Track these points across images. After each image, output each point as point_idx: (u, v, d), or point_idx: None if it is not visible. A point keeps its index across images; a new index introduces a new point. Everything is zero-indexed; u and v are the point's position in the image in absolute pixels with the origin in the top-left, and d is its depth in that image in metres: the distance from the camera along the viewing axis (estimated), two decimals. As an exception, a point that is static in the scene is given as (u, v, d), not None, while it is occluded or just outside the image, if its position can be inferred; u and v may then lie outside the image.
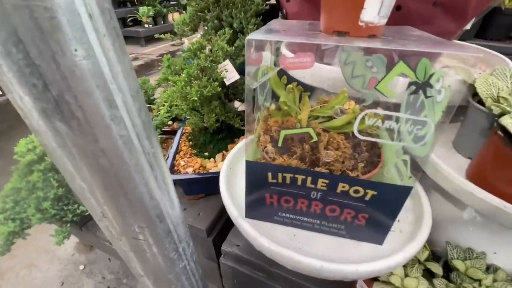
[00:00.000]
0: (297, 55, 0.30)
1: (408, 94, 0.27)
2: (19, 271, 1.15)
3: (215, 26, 0.73)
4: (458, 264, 0.44)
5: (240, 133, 0.72)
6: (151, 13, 3.50)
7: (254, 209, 0.39)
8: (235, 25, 0.71)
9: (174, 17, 3.70)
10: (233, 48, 0.66)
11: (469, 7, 0.41)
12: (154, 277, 0.29)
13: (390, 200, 0.32)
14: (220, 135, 0.70)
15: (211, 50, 0.63)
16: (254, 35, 0.26)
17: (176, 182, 0.66)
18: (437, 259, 0.47)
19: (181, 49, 1.00)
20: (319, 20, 0.40)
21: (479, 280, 0.43)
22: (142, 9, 3.45)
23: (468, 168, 0.43)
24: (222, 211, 0.63)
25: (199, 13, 0.75)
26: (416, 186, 0.43)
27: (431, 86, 0.24)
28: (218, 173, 0.59)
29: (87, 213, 1.00)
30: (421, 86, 0.24)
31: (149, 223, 0.24)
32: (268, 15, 0.78)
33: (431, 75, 0.24)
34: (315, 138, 0.32)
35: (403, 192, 0.31)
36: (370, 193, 0.31)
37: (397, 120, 0.30)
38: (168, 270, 0.29)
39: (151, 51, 3.53)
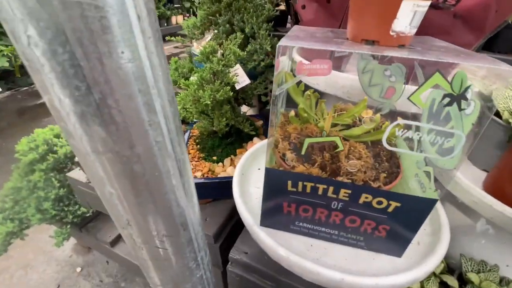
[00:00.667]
0: (314, 61, 0.29)
1: (441, 105, 0.27)
2: (15, 272, 1.12)
3: (227, 30, 0.73)
4: (473, 277, 0.43)
5: (248, 138, 0.72)
6: (154, 14, 3.51)
7: (269, 217, 0.38)
8: (246, 30, 0.71)
9: (178, 19, 3.71)
10: (245, 53, 0.66)
11: (488, 20, 0.41)
12: (172, 287, 0.28)
13: (413, 212, 0.31)
14: (228, 140, 0.69)
15: (223, 54, 0.62)
16: (285, 42, 0.26)
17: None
18: (451, 272, 0.47)
19: (186, 52, 1.00)
20: (334, 27, 0.39)
21: (495, 295, 0.42)
22: (146, 11, 3.46)
23: (485, 180, 0.43)
24: (230, 217, 0.62)
25: (210, 17, 0.75)
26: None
27: (466, 99, 0.24)
28: (227, 178, 0.58)
29: (87, 215, 0.99)
30: (456, 99, 0.24)
31: (173, 232, 0.23)
32: (277, 20, 0.78)
33: (466, 88, 0.23)
34: (341, 148, 0.32)
35: (428, 204, 0.30)
36: (394, 204, 0.31)
37: (418, 130, 0.29)
38: (186, 279, 0.28)
39: (153, 53, 3.53)
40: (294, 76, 0.35)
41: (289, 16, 0.95)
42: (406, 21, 0.26)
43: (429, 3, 0.26)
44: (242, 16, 0.72)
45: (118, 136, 0.16)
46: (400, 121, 0.28)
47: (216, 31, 0.76)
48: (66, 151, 0.91)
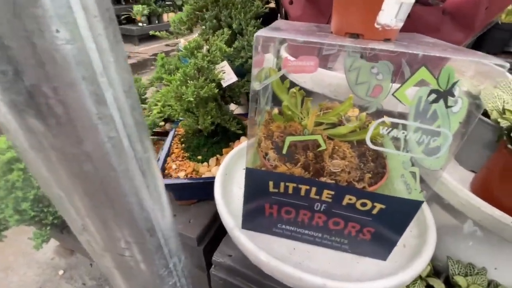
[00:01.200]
0: (300, 58, 0.28)
1: (427, 102, 0.26)
2: (-7, 275, 1.08)
3: (213, 26, 0.71)
4: (460, 281, 0.43)
5: (235, 137, 0.70)
6: (145, 12, 3.44)
7: (251, 220, 0.36)
8: (234, 26, 0.69)
9: (169, 17, 3.66)
10: (232, 49, 0.64)
11: (477, 17, 0.40)
12: (141, 295, 0.26)
13: (398, 215, 0.30)
14: (214, 139, 0.67)
15: (208, 50, 0.60)
16: (264, 32, 0.24)
17: (166, 187, 0.62)
18: (437, 274, 0.46)
19: (176, 49, 0.97)
20: (323, 24, 0.38)
21: (481, 298, 0.41)
22: (137, 8, 3.39)
23: (473, 181, 0.42)
24: (215, 218, 0.60)
25: (197, 12, 0.73)
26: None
27: (453, 95, 0.22)
28: (211, 178, 0.56)
29: (69, 216, 0.95)
30: (443, 95, 0.23)
31: (138, 238, 0.21)
32: (267, 18, 0.77)
33: (454, 84, 0.22)
34: (324, 146, 0.30)
35: (413, 206, 0.29)
36: (378, 206, 0.30)
37: (404, 128, 0.28)
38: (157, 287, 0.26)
39: (145, 51, 3.48)
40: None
41: (279, 14, 0.94)
42: (391, 13, 0.24)
43: (415, -6, 0.25)
44: (230, 12, 0.70)
45: (60, 131, 0.14)
46: (385, 118, 0.26)
47: (203, 27, 0.74)
48: (46, 149, 0.87)
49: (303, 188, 0.31)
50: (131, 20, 3.60)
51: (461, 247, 0.48)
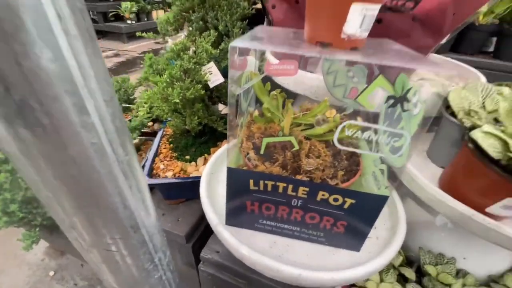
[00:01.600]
0: (281, 62, 0.30)
1: (386, 106, 0.28)
2: (-18, 278, 1.07)
3: (200, 28, 0.72)
4: (430, 269, 0.46)
5: (223, 137, 0.71)
6: (134, 9, 3.40)
7: (234, 217, 0.38)
8: (220, 27, 0.71)
9: (158, 14, 3.62)
10: (218, 50, 0.65)
11: (445, 23, 0.43)
12: (128, 288, 0.28)
13: (367, 209, 0.32)
14: (202, 138, 0.68)
15: (195, 52, 0.62)
16: (238, 42, 0.26)
17: (154, 186, 0.64)
18: (410, 264, 0.49)
19: (164, 48, 0.98)
20: (303, 28, 0.40)
21: (450, 285, 0.45)
22: (125, 5, 3.34)
23: (441, 177, 0.45)
24: (203, 216, 0.62)
25: (184, 13, 0.74)
26: (392, 194, 0.44)
27: (408, 101, 0.25)
28: (199, 177, 0.58)
29: (59, 216, 0.95)
30: (399, 100, 0.25)
31: (123, 234, 0.23)
32: (254, 19, 0.78)
33: (408, 90, 0.24)
34: (296, 147, 0.32)
35: (380, 201, 0.31)
36: (349, 201, 0.32)
37: (376, 130, 0.30)
38: (143, 281, 0.28)
39: (133, 48, 3.43)
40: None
41: (265, 17, 0.95)
42: (356, 24, 0.26)
43: (378, 7, 0.27)
44: (216, 14, 0.71)
45: (46, 139, 0.16)
46: (350, 121, 0.28)
47: (190, 28, 0.75)
48: (34, 150, 0.87)
49: (281, 185, 0.33)
50: (119, 17, 3.54)
51: (433, 238, 0.51)
